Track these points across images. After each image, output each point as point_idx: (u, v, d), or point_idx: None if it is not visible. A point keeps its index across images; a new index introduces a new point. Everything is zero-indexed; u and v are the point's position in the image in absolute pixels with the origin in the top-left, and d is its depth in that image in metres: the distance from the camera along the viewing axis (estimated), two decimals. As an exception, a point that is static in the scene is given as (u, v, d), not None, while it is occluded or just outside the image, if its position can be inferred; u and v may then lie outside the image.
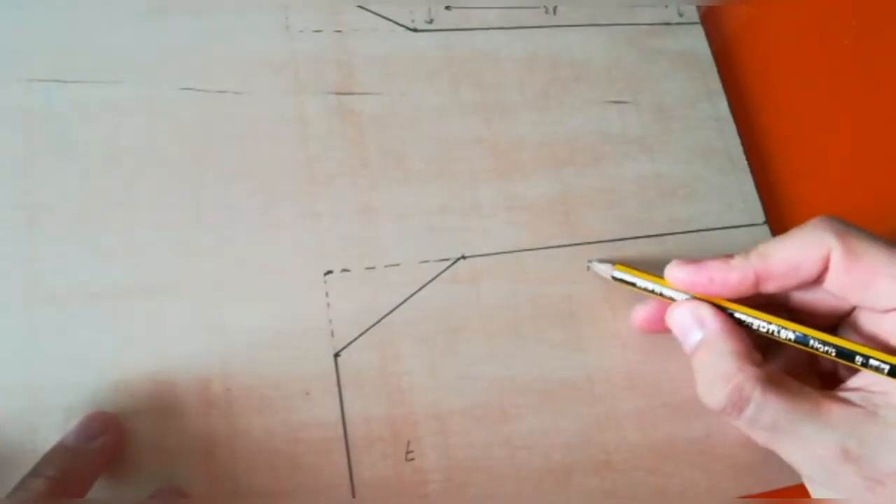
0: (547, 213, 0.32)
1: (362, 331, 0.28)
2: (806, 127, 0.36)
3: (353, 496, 0.26)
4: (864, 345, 0.25)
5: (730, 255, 0.26)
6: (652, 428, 0.29)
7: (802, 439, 0.24)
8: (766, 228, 0.33)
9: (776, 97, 0.37)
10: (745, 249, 0.26)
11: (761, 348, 0.27)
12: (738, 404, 0.24)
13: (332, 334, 0.28)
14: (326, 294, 0.29)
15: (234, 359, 0.27)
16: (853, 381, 0.26)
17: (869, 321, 0.26)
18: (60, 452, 0.24)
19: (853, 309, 0.27)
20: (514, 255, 0.31)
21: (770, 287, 0.26)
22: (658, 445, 0.29)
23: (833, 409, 0.24)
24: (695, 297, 0.27)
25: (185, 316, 0.28)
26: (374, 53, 0.33)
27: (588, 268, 0.31)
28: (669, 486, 0.28)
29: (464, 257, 0.30)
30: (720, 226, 0.33)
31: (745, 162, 0.34)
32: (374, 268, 0.29)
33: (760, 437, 0.26)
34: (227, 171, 0.30)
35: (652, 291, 0.28)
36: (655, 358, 0.30)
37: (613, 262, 0.30)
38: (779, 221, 0.34)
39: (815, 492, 0.27)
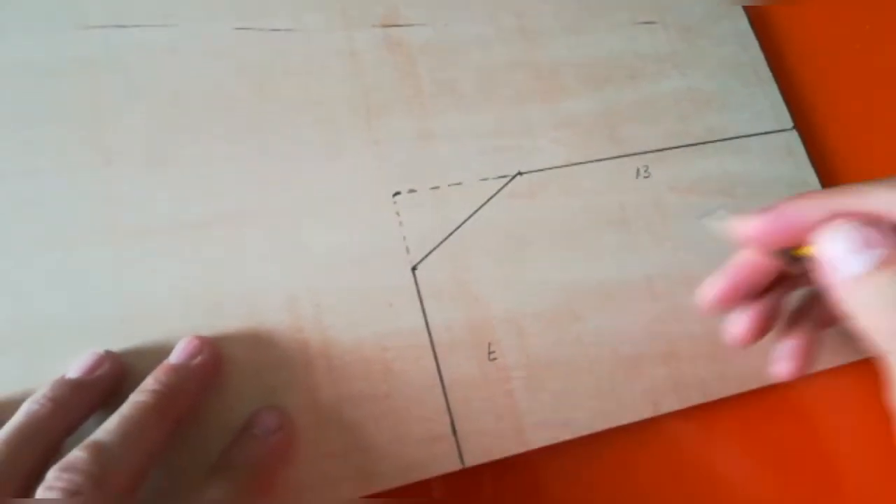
0: (593, 128, 0.33)
1: (435, 245, 0.30)
2: (826, 35, 0.38)
3: (445, 395, 0.28)
4: None
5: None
6: (710, 319, 0.31)
7: None
8: (794, 133, 0.35)
9: (794, 6, 0.39)
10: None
11: None
12: None
13: (408, 250, 0.29)
14: (397, 213, 0.30)
15: (318, 277, 0.28)
16: None
17: None
18: (163, 370, 0.25)
19: None
20: (566, 169, 0.32)
21: None
22: (717, 334, 0.31)
23: None
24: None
25: (264, 242, 0.29)
26: (414, -13, 0.34)
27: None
28: (730, 371, 0.30)
29: (520, 173, 0.32)
30: (753, 132, 0.35)
31: (770, 73, 0.36)
32: (438, 187, 0.31)
33: None
34: (287, 105, 0.31)
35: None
36: (705, 257, 0.31)
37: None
38: (807, 126, 0.36)
39: None
